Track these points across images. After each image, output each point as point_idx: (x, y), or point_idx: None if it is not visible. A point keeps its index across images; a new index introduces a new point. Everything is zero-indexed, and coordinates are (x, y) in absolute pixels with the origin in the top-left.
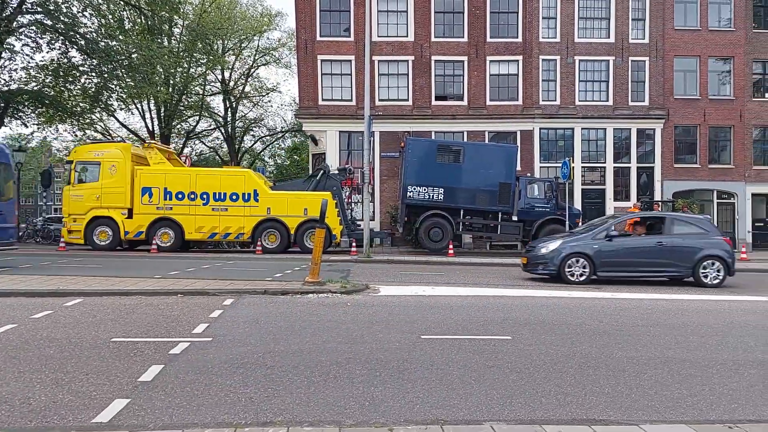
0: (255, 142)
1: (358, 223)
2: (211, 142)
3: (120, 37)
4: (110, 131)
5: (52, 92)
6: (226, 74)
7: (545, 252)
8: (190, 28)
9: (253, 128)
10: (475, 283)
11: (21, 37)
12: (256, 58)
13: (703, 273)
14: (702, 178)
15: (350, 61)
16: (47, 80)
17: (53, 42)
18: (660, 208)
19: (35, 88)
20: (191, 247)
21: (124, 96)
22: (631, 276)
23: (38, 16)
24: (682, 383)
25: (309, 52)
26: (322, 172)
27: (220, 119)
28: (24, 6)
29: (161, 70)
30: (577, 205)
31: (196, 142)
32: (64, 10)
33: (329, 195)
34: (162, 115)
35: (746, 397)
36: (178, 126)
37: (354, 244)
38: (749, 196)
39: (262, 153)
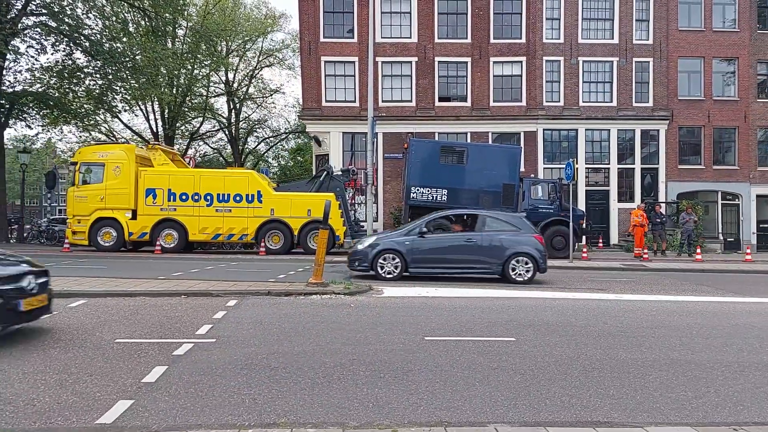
0: (259, 144)
1: (362, 224)
2: (214, 144)
3: (124, 38)
4: (114, 132)
5: (57, 94)
6: (230, 75)
7: (361, 248)
8: (194, 29)
9: (257, 129)
10: (478, 284)
11: (26, 38)
12: (260, 59)
13: (512, 269)
14: (706, 180)
15: (354, 62)
16: (52, 82)
17: (58, 44)
18: (663, 210)
19: (40, 90)
20: (195, 248)
21: (129, 97)
22: (442, 272)
23: (43, 18)
24: (686, 385)
25: (312, 53)
26: (325, 173)
27: (224, 120)
28: (29, 8)
29: (165, 71)
30: (581, 206)
31: (200, 143)
32: (69, 12)
33: (333, 196)
34: (166, 116)
35: (751, 399)
36: (182, 127)
37: None
38: (754, 197)
39: (266, 154)
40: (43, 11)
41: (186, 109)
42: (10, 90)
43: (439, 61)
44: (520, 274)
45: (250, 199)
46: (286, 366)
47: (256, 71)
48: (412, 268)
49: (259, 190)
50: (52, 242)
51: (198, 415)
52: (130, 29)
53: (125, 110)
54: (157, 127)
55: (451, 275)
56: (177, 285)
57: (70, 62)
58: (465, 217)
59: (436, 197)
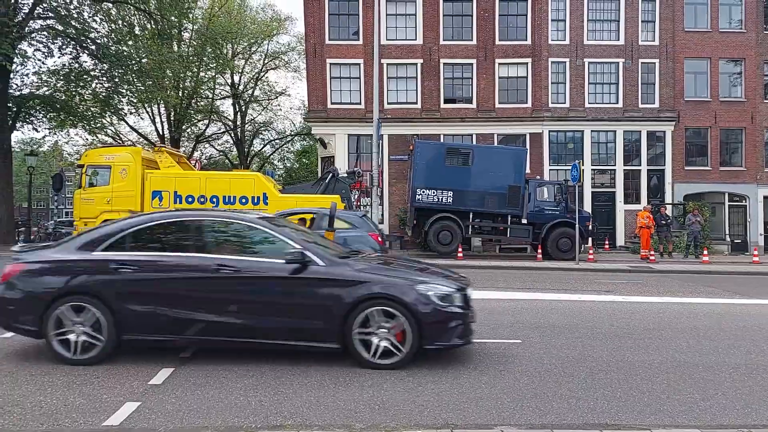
0: (264, 146)
1: None
2: (220, 146)
3: (130, 42)
4: (121, 135)
5: (64, 97)
6: (236, 78)
7: None
8: (200, 32)
9: (263, 132)
10: (484, 286)
11: (33, 42)
12: (266, 62)
13: None
14: (713, 181)
15: (359, 64)
16: (58, 85)
17: (64, 47)
18: (669, 211)
19: (47, 93)
20: None
21: (135, 100)
22: None
23: (50, 22)
24: (694, 387)
25: (318, 55)
26: (331, 175)
27: (230, 123)
28: (36, 12)
29: (171, 74)
30: (588, 208)
31: (206, 145)
32: (75, 16)
33: (338, 198)
34: (172, 119)
35: (759, 401)
36: (188, 130)
37: None
38: (761, 198)
39: (272, 156)
40: (50, 15)
41: (192, 112)
42: (18, 93)
43: (444, 63)
44: None
45: (255, 201)
46: (292, 368)
47: (262, 74)
48: None
49: (264, 193)
50: None
51: (205, 417)
52: (136, 32)
53: (131, 113)
54: (163, 129)
55: None
56: None
57: (76, 65)
58: (303, 216)
59: (442, 199)
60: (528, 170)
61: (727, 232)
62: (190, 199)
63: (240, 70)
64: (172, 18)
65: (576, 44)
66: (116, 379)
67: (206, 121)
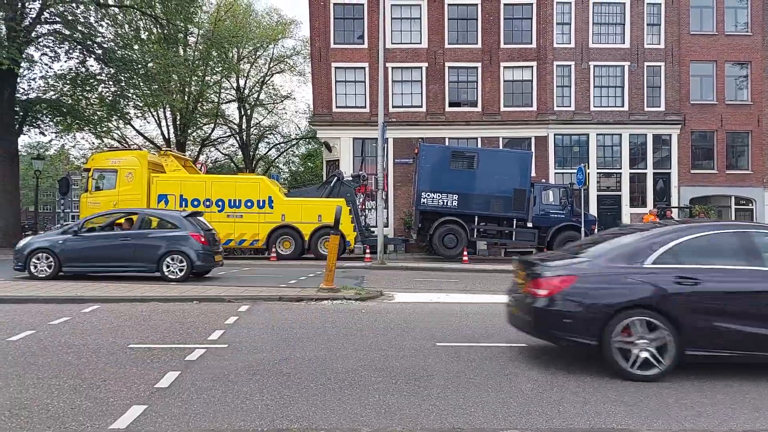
0: (269, 149)
1: (372, 229)
2: (226, 150)
3: (136, 46)
4: (127, 139)
5: (70, 101)
6: (241, 82)
7: (18, 247)
8: (206, 36)
9: (268, 135)
10: (490, 289)
11: (40, 46)
12: (271, 65)
13: (166, 267)
14: (719, 184)
15: (364, 68)
16: (65, 89)
17: (71, 51)
18: (675, 214)
19: (53, 97)
20: None
21: (141, 104)
22: (98, 271)
23: (57, 26)
24: (702, 391)
25: (323, 59)
26: (336, 178)
27: (235, 127)
28: (43, 16)
29: (177, 78)
30: (593, 211)
31: (212, 149)
32: (82, 20)
33: (343, 201)
34: (178, 122)
35: None
36: (194, 133)
37: (368, 250)
38: (767, 201)
39: (277, 160)
40: (57, 19)
41: (197, 116)
42: (25, 97)
43: (449, 67)
44: (173, 272)
45: (261, 204)
46: (298, 372)
47: (267, 77)
48: (66, 267)
49: (270, 196)
50: None
51: (211, 421)
52: (143, 37)
53: (137, 117)
54: (168, 133)
55: (108, 274)
56: (189, 290)
57: (83, 69)
58: (129, 216)
59: (447, 202)
60: (533, 174)
61: None
62: (195, 203)
63: (245, 74)
64: (178, 23)
65: (581, 47)
66: (123, 382)
67: (212, 125)
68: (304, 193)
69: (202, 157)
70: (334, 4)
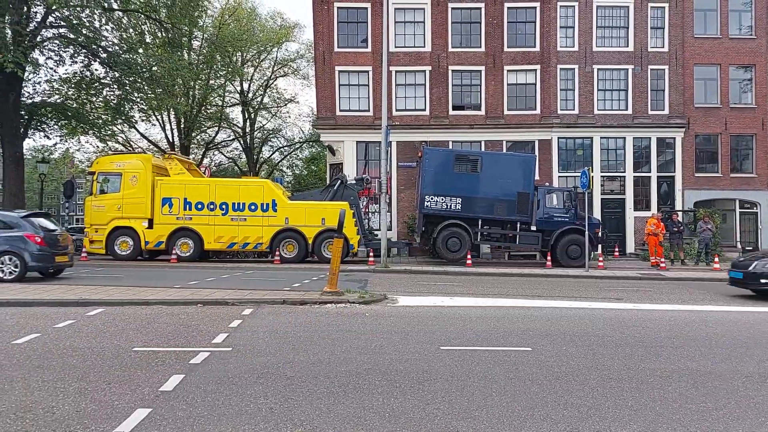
0: (273, 153)
1: (376, 232)
2: (230, 153)
3: (141, 50)
4: (131, 142)
5: (75, 104)
6: (245, 85)
7: None
8: (210, 40)
9: (272, 139)
10: (493, 293)
11: (44, 50)
12: (275, 69)
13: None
14: (724, 188)
15: (368, 71)
16: (70, 93)
17: (76, 55)
18: (681, 218)
19: (58, 101)
20: (210, 257)
21: (145, 108)
22: None
23: (62, 30)
24: (707, 396)
25: (327, 63)
26: (339, 182)
27: (239, 130)
28: (48, 20)
29: (181, 81)
30: (597, 214)
31: (216, 152)
32: (87, 24)
33: (347, 205)
34: (182, 126)
35: None
36: (198, 137)
37: (371, 254)
38: None
39: (281, 163)
40: (62, 23)
41: (201, 119)
42: (30, 101)
43: (452, 70)
44: (5, 272)
45: (264, 208)
46: (302, 375)
47: (271, 81)
48: None
49: (273, 199)
50: None
51: (215, 424)
52: (147, 41)
53: (142, 120)
54: (173, 136)
55: None
56: (193, 294)
57: (88, 73)
58: None
59: (450, 206)
60: (537, 177)
61: (738, 239)
62: (199, 206)
63: (249, 78)
64: (183, 27)
65: (585, 51)
66: (127, 385)
67: (216, 128)
68: (308, 197)
69: (206, 161)
70: (338, 7)
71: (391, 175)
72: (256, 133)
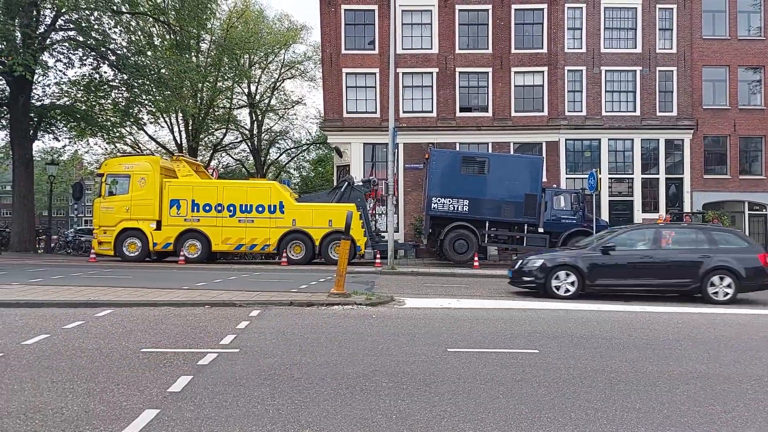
0: (280, 155)
1: (383, 234)
2: (237, 155)
3: (149, 52)
4: (140, 144)
5: (84, 107)
6: (252, 88)
7: None
8: (218, 43)
9: (279, 141)
10: (500, 295)
11: (54, 53)
12: (282, 71)
13: None
14: (733, 190)
15: (375, 73)
16: (79, 95)
17: (85, 58)
18: (690, 220)
19: (67, 103)
20: (218, 258)
21: (153, 110)
22: None
23: (71, 33)
24: (715, 399)
25: (334, 65)
26: (346, 183)
27: (247, 132)
28: (57, 23)
29: (189, 84)
30: (605, 216)
31: (223, 154)
32: (96, 27)
33: (354, 207)
34: (190, 128)
35: None
36: (206, 139)
37: (378, 255)
38: None
39: (288, 165)
40: (71, 26)
41: (209, 121)
42: (39, 104)
43: (460, 72)
44: None
45: (272, 209)
46: (309, 377)
47: (278, 83)
48: None
49: (281, 201)
50: (79, 253)
51: (223, 425)
52: (156, 43)
53: (150, 122)
54: (181, 138)
55: None
56: (201, 295)
57: (96, 76)
58: None
59: (458, 208)
60: (545, 179)
61: None
62: (207, 208)
63: (257, 80)
64: (191, 29)
65: (593, 52)
66: (136, 386)
67: (223, 130)
68: (315, 199)
69: (213, 163)
70: (345, 9)
71: (398, 176)
72: (263, 135)
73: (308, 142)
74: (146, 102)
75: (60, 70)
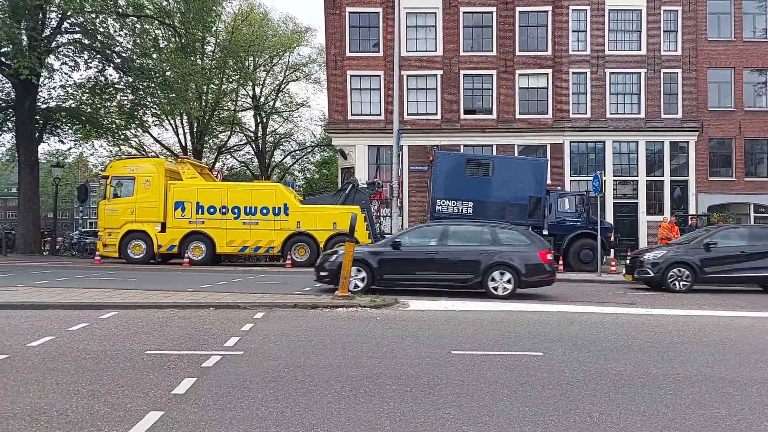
0: (285, 157)
1: (387, 236)
2: (242, 157)
3: (154, 55)
4: (144, 147)
5: (89, 109)
6: (257, 90)
7: None
8: (222, 45)
9: (283, 143)
10: (504, 298)
11: (59, 56)
12: (287, 73)
13: None
14: (738, 192)
15: (379, 76)
16: (84, 97)
17: (90, 60)
18: (696, 222)
19: (73, 106)
20: (222, 260)
21: (158, 112)
22: None
23: (76, 36)
24: (720, 402)
25: (338, 67)
26: (351, 185)
27: (251, 134)
28: (63, 26)
29: (194, 86)
30: (609, 219)
31: (228, 156)
32: (101, 30)
33: (358, 209)
34: (194, 130)
35: None
36: (210, 141)
37: None
38: None
39: (292, 167)
40: (77, 29)
41: (214, 124)
42: (45, 106)
43: (464, 74)
44: None
45: (276, 212)
46: (313, 379)
47: (283, 85)
48: None
49: (285, 203)
50: (84, 254)
51: (227, 428)
52: (161, 46)
53: (155, 125)
54: (185, 141)
55: None
56: (205, 297)
57: (102, 78)
58: None
59: (462, 210)
60: (549, 181)
61: None
62: (211, 210)
63: (261, 82)
64: (196, 32)
65: (597, 54)
66: (140, 388)
67: (228, 133)
68: (319, 201)
69: (218, 165)
70: (350, 12)
71: (402, 179)
72: (268, 137)
73: (313, 144)
74: (151, 104)
75: (65, 73)
